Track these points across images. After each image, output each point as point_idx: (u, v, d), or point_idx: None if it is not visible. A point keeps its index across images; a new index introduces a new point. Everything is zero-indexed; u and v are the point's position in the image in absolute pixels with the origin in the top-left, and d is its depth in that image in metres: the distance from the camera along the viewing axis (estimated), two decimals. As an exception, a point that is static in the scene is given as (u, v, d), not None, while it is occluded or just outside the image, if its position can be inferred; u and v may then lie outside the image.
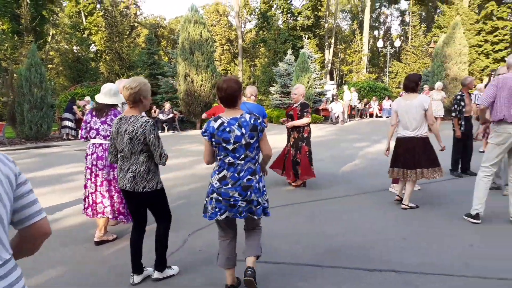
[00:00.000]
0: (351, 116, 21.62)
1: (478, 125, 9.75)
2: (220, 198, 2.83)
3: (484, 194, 4.69)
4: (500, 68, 5.68)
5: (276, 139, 9.07)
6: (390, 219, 4.95)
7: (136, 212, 3.29)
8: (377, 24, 52.88)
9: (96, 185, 4.16)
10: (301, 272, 3.47)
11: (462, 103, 6.92)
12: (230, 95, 2.84)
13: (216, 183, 2.84)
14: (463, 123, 7.06)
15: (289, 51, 23.63)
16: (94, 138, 4.15)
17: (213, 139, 2.80)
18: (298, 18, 37.75)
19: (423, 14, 43.78)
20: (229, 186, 2.81)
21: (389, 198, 5.91)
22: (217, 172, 2.86)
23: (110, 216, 4.19)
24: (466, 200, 5.64)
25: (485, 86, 7.51)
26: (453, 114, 7.03)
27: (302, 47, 26.25)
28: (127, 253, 3.34)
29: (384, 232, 4.48)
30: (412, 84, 5.12)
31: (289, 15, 38.21)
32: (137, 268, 3.29)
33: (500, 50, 33.10)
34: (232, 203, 2.82)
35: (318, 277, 3.38)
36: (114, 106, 4.21)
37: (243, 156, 2.82)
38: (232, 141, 2.78)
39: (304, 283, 3.27)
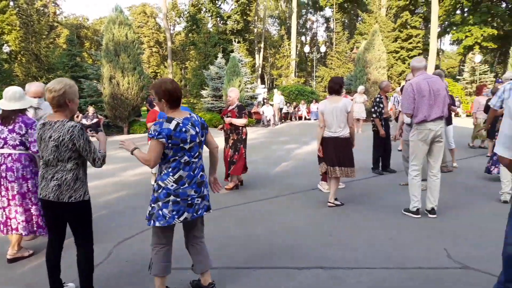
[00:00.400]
0: (281, 119, 22.15)
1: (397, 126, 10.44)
2: (178, 199, 2.79)
3: (419, 191, 5.04)
4: (409, 74, 6.14)
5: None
6: (318, 217, 5.12)
7: (56, 226, 3.00)
8: (304, 30, 54.96)
9: (8, 199, 3.78)
10: (233, 275, 3.44)
11: (381, 105, 7.38)
12: (181, 95, 2.89)
13: (172, 185, 2.78)
14: (383, 123, 7.53)
15: (220, 55, 23.63)
16: (2, 148, 3.77)
17: (169, 141, 2.72)
18: (227, 22, 37.93)
19: (346, 21, 46.29)
20: (186, 185, 2.81)
21: (317, 196, 6.11)
22: (171, 174, 2.78)
23: (24, 233, 3.84)
24: (386, 197, 6.03)
25: (401, 89, 8.07)
26: (374, 115, 7.48)
27: (232, 51, 26.40)
28: (45, 269, 3.07)
29: (312, 230, 4.62)
30: (337, 86, 5.36)
31: (218, 18, 38.26)
32: (56, 285, 3.04)
33: (415, 56, 35.91)
34: (190, 202, 2.83)
35: (249, 279, 3.38)
36: (22, 111, 3.84)
37: (197, 154, 2.89)
38: (188, 140, 2.79)
39: (236, 286, 3.25)
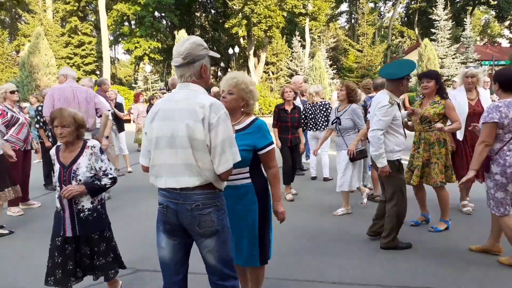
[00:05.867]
0: None
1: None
2: None
3: None
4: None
5: None
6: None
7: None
8: None
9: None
10: None
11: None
12: None
13: None
14: (50, 134, 6.89)
15: None
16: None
17: None
18: None
19: (7, 19, 40.65)
20: None
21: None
22: None
23: None
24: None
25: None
26: (37, 125, 6.71)
27: None
28: None
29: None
30: None
31: None
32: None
33: (90, 63, 35.76)
34: None
35: None
36: None
37: None
38: None
39: None
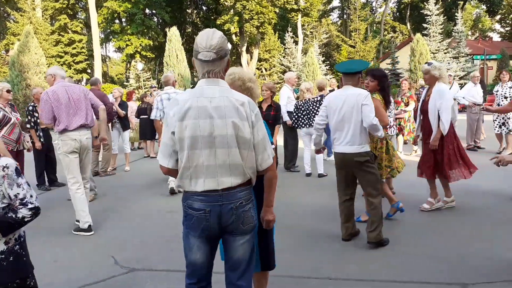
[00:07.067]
0: None
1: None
2: None
3: (85, 204, 4.68)
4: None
5: None
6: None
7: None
8: None
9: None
10: None
11: (36, 114, 6.65)
12: None
13: None
14: (41, 134, 6.82)
15: None
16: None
17: None
18: None
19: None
20: None
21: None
22: None
23: None
24: (53, 215, 5.42)
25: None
26: (28, 125, 6.62)
27: None
28: None
29: None
30: None
31: None
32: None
33: (81, 61, 35.41)
34: None
35: None
36: None
37: None
38: None
39: None
